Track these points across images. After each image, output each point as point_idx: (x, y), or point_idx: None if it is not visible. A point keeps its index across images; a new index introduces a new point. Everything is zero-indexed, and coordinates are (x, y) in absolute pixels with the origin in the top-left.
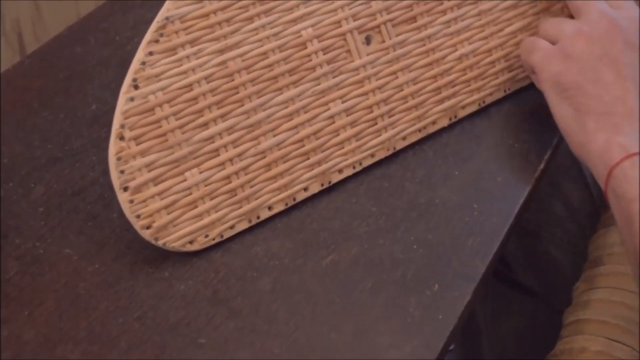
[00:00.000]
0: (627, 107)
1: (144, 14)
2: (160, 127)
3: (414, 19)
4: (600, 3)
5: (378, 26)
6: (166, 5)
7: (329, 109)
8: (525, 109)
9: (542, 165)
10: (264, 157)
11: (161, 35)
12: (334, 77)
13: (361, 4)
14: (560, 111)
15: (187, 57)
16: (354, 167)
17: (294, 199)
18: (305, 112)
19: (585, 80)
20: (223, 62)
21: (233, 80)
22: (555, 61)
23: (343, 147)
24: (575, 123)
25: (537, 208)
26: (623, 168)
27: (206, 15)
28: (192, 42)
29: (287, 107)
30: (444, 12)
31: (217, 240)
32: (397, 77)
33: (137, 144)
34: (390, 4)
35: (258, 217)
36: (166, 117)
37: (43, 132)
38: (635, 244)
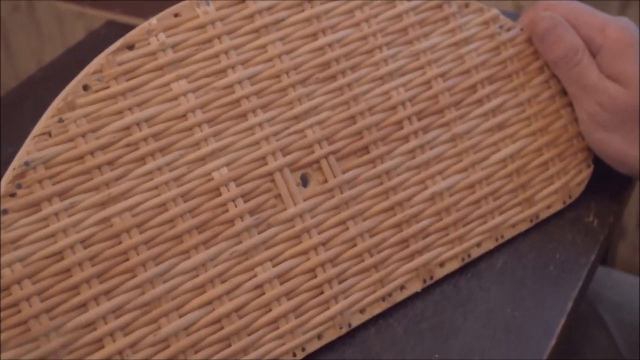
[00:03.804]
0: None
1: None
2: (20, 312)
3: (365, 149)
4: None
5: (317, 161)
6: (25, 146)
7: (255, 276)
8: (526, 264)
9: (553, 341)
10: (167, 346)
11: (19, 186)
12: (260, 233)
13: (292, 132)
14: None
15: (56, 214)
16: (294, 355)
17: None
18: (223, 282)
19: None
20: (106, 219)
21: (120, 242)
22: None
23: (278, 328)
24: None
25: None
26: None
27: (81, 158)
28: (63, 194)
29: (196, 276)
30: (405, 138)
31: None
32: (347, 229)
33: None
34: (332, 131)
35: None
36: (27, 298)
37: None
38: None
